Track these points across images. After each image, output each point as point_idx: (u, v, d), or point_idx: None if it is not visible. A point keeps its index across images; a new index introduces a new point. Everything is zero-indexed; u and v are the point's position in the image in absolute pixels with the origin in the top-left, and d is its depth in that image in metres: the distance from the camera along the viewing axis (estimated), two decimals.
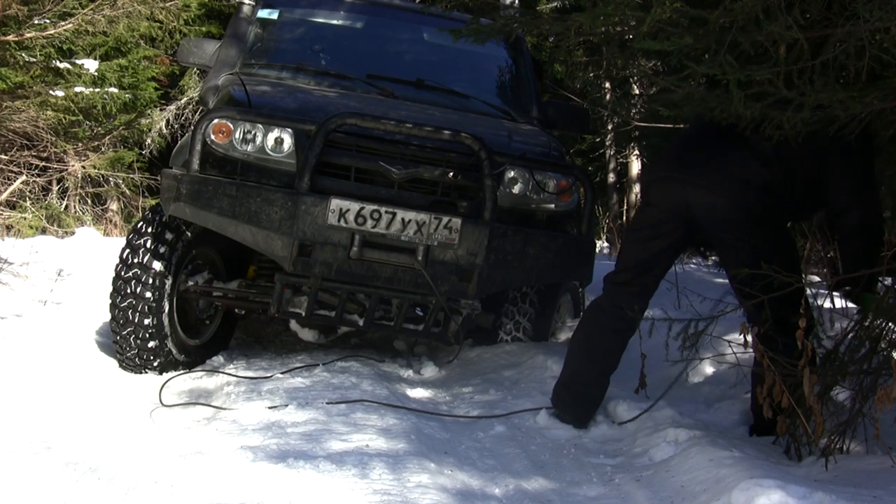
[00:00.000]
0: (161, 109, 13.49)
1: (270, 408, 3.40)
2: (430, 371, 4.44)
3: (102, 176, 12.37)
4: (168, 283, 4.09)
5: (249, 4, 5.05)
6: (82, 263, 7.06)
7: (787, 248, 3.24)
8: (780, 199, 3.16)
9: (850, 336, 2.91)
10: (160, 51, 13.12)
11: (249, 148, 3.86)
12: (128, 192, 12.84)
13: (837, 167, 3.09)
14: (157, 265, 4.06)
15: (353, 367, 4.12)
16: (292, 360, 4.36)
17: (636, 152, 13.42)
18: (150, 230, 4.11)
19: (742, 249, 3.14)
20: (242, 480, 2.57)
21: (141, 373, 4.13)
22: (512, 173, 4.02)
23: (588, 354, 3.45)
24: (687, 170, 3.25)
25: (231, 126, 3.84)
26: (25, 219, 10.17)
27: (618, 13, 2.78)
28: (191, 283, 4.24)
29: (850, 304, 3.47)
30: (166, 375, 4.05)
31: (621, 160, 14.98)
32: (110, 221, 12.34)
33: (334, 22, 5.21)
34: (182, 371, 4.20)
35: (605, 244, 12.61)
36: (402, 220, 3.73)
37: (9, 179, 10.32)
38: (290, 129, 3.85)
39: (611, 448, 3.20)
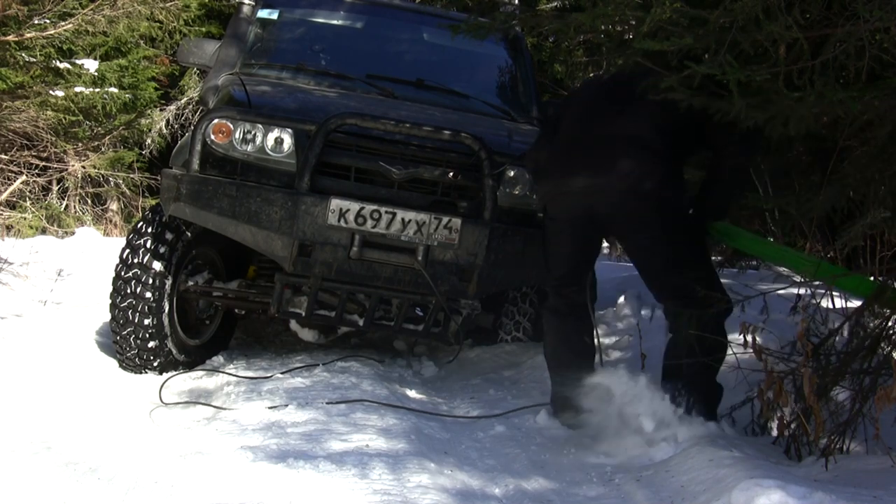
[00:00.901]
0: (161, 109, 13.48)
1: (270, 408, 3.40)
2: (430, 371, 4.44)
3: (102, 176, 12.37)
4: (168, 283, 4.10)
5: (249, 4, 5.06)
6: (82, 263, 7.06)
7: (698, 234, 3.31)
8: (677, 180, 3.24)
9: (847, 333, 2.91)
10: (160, 51, 13.11)
11: (249, 148, 3.86)
12: (128, 192, 12.84)
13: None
14: (157, 265, 4.06)
15: (353, 367, 4.12)
16: (292, 360, 4.36)
17: None
18: (150, 230, 4.11)
19: (656, 247, 3.23)
20: (242, 480, 2.57)
21: (141, 373, 4.13)
22: (512, 173, 4.02)
23: (573, 354, 3.48)
24: (578, 179, 3.26)
25: (231, 126, 3.84)
26: (25, 219, 10.17)
27: (618, 13, 2.78)
28: (191, 283, 4.24)
29: (855, 299, 3.48)
30: (166, 375, 4.05)
31: None
32: (110, 221, 12.34)
33: (334, 22, 5.21)
34: (182, 371, 4.20)
35: (605, 244, 12.61)
36: (402, 220, 3.73)
37: (9, 179, 10.32)
38: (290, 129, 3.85)
39: (611, 448, 3.19)
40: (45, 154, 11.00)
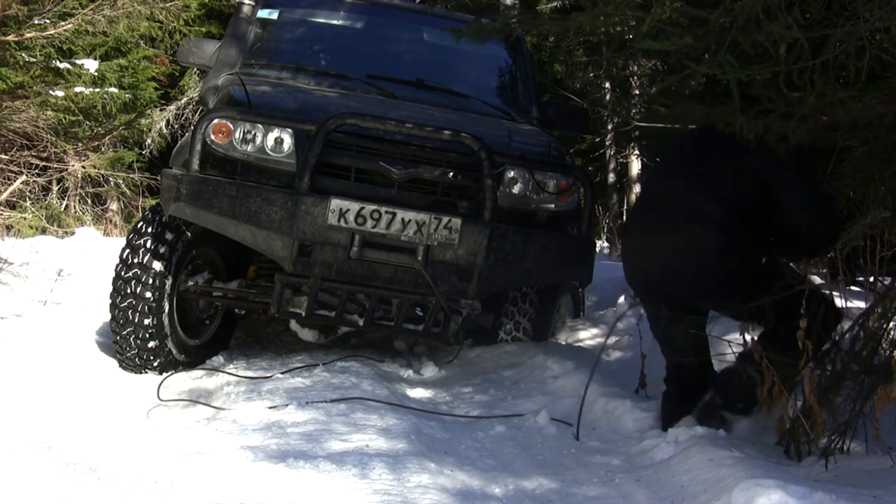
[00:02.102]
0: (161, 109, 13.49)
1: (270, 408, 3.40)
2: (430, 371, 4.44)
3: (102, 176, 12.37)
4: (168, 283, 4.09)
5: (249, 4, 5.05)
6: (82, 263, 7.06)
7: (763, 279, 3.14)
8: (744, 262, 3.13)
9: (848, 335, 2.91)
10: (160, 51, 13.12)
11: (249, 148, 3.86)
12: (128, 192, 12.84)
13: (784, 189, 3.08)
14: (157, 265, 4.06)
15: (353, 367, 4.12)
16: (292, 360, 4.36)
17: (636, 152, 13.44)
18: (150, 230, 4.11)
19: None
20: (242, 480, 2.57)
21: (141, 373, 4.13)
22: (512, 173, 4.02)
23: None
24: (642, 240, 3.25)
25: (231, 126, 3.84)
26: (25, 219, 10.16)
27: (618, 13, 2.78)
28: (191, 283, 4.24)
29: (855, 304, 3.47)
30: (165, 374, 4.05)
31: (621, 160, 15.00)
32: (110, 221, 12.34)
33: (334, 22, 5.21)
34: (182, 370, 4.19)
35: (605, 244, 12.62)
36: (402, 220, 3.73)
37: (9, 179, 10.31)
38: (290, 129, 3.85)
39: (611, 448, 3.20)
40: (45, 154, 11.00)
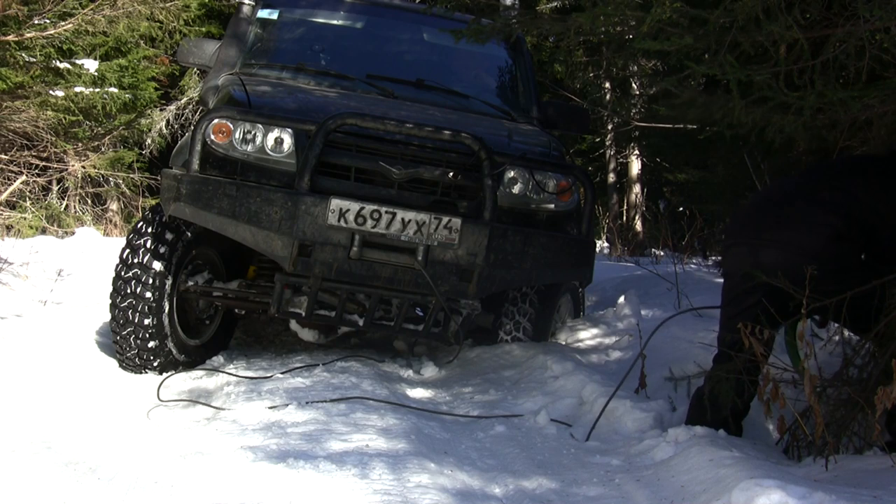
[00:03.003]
0: (161, 109, 13.49)
1: (270, 408, 3.40)
2: (430, 371, 4.44)
3: (102, 176, 12.36)
4: (168, 283, 4.09)
5: (249, 4, 5.06)
6: (82, 263, 7.05)
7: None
8: (855, 245, 2.96)
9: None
10: (160, 51, 13.12)
11: (249, 148, 3.86)
12: (128, 192, 12.84)
13: None
14: (157, 265, 4.06)
15: (353, 367, 4.12)
16: (292, 360, 4.36)
17: (636, 152, 13.44)
18: (150, 230, 4.11)
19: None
20: (242, 480, 2.57)
21: (141, 373, 4.13)
22: (512, 173, 4.02)
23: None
24: (756, 231, 3.07)
25: (231, 126, 3.85)
26: (25, 219, 10.16)
27: (618, 13, 2.79)
28: (191, 283, 4.24)
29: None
30: (165, 374, 4.06)
31: (621, 160, 15.01)
32: (110, 221, 12.33)
33: (334, 22, 5.21)
34: (182, 370, 4.20)
35: (605, 244, 12.63)
36: (402, 220, 3.73)
37: (9, 179, 10.32)
38: (290, 129, 3.86)
39: (611, 448, 3.20)
40: (45, 154, 10.99)
